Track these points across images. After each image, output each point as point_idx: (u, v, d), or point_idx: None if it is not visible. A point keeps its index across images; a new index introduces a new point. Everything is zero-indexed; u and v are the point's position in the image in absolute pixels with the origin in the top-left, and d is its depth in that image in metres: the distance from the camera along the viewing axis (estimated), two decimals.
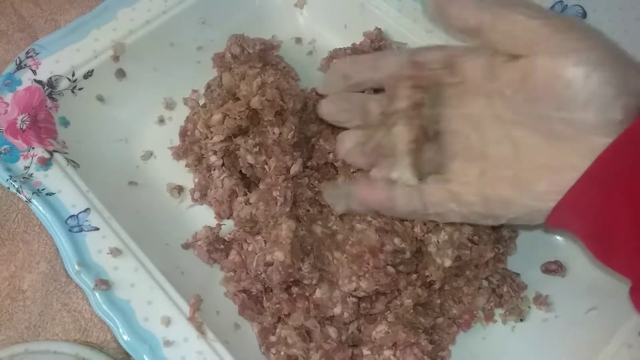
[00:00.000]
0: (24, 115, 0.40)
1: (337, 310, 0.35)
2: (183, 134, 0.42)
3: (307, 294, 0.36)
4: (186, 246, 0.39)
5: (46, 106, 0.41)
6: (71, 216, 0.36)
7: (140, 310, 0.34)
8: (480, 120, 0.33)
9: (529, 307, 0.38)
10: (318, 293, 0.35)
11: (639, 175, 0.27)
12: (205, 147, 0.39)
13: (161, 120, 0.44)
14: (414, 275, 0.36)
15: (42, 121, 0.40)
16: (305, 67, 0.46)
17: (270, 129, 0.38)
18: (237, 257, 0.37)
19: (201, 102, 0.44)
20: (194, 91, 0.45)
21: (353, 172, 0.38)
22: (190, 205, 0.41)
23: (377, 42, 0.44)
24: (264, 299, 0.37)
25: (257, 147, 0.38)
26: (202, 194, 0.41)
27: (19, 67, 0.41)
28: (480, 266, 0.37)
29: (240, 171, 0.40)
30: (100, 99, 0.43)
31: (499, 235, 0.38)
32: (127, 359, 0.37)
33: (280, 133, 0.38)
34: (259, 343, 0.36)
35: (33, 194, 0.37)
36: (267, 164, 0.38)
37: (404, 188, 0.35)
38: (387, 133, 0.36)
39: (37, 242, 0.41)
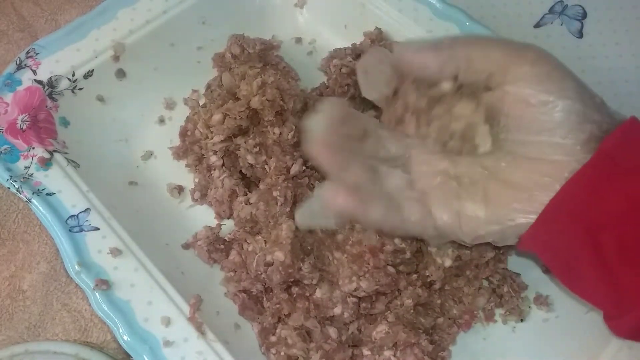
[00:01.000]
0: (24, 115, 0.40)
1: (337, 310, 0.35)
2: (183, 134, 0.42)
3: (308, 294, 0.36)
4: (186, 246, 0.39)
5: (46, 106, 0.41)
6: (71, 216, 0.36)
7: (140, 310, 0.34)
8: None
9: (530, 307, 0.38)
10: (318, 293, 0.35)
11: (592, 211, 0.28)
12: (206, 147, 0.39)
13: (161, 120, 0.44)
14: (414, 275, 0.36)
15: (42, 121, 0.40)
16: (306, 67, 0.46)
17: (271, 129, 0.38)
18: (237, 257, 0.37)
19: (201, 102, 0.44)
20: (194, 91, 0.45)
21: None
22: (190, 205, 0.41)
23: (378, 42, 0.44)
24: (264, 299, 0.37)
25: (258, 147, 0.38)
26: (202, 194, 0.41)
27: (19, 67, 0.41)
28: (481, 266, 0.37)
29: (241, 171, 0.40)
30: (101, 99, 0.43)
31: None
32: (127, 359, 0.37)
33: (280, 133, 0.38)
34: (259, 343, 0.36)
35: (33, 194, 0.37)
36: (267, 164, 0.38)
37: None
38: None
39: (37, 242, 0.41)
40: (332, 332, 0.35)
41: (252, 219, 0.37)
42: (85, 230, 0.36)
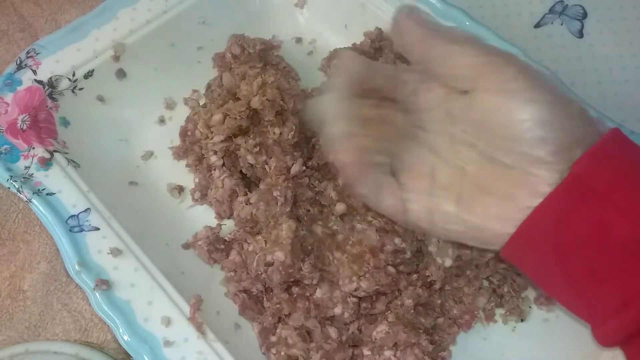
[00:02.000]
0: (24, 115, 0.40)
1: (337, 310, 0.35)
2: (183, 134, 0.42)
3: (308, 294, 0.36)
4: (186, 246, 0.39)
5: (46, 106, 0.41)
6: (71, 216, 0.36)
7: (141, 310, 0.34)
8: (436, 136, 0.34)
9: (530, 307, 0.38)
10: (318, 293, 0.35)
11: (561, 235, 0.29)
12: (206, 147, 0.39)
13: (161, 120, 0.44)
14: (415, 275, 0.36)
15: (43, 121, 0.40)
16: (306, 67, 0.46)
17: (271, 129, 0.38)
18: (237, 257, 0.37)
19: (201, 102, 0.43)
20: (195, 91, 0.45)
21: None
22: (190, 205, 0.41)
23: (378, 42, 0.44)
24: (265, 299, 0.37)
25: (258, 147, 0.38)
26: (202, 194, 0.41)
27: (20, 67, 0.41)
28: (481, 266, 0.37)
29: (241, 171, 0.40)
30: (101, 99, 0.43)
31: None
32: (127, 359, 0.37)
33: (280, 133, 0.38)
34: (259, 343, 0.36)
35: (33, 194, 0.37)
36: (267, 164, 0.38)
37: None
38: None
39: (38, 242, 0.41)
40: (332, 332, 0.35)
41: (253, 219, 0.37)
42: (85, 230, 0.36)
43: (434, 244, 0.36)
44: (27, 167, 0.38)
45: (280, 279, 0.34)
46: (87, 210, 0.37)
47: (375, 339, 0.34)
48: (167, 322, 0.34)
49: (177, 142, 0.43)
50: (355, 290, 0.34)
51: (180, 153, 0.42)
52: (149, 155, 0.43)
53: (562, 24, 0.50)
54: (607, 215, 0.28)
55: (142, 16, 0.44)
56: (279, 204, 0.36)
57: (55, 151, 0.39)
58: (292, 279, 0.35)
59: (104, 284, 0.34)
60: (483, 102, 0.30)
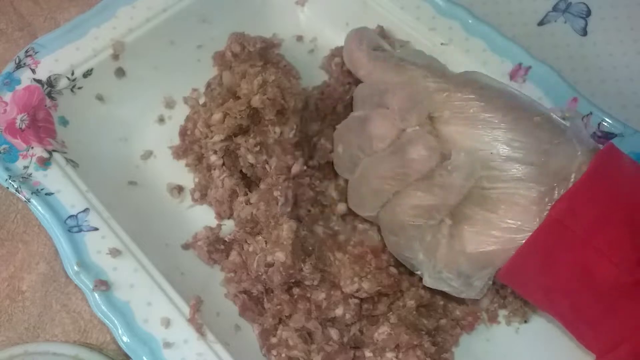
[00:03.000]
0: (23, 114, 0.40)
1: (338, 311, 0.35)
2: (183, 133, 0.42)
3: (309, 295, 0.35)
4: (186, 246, 0.39)
5: (45, 105, 0.40)
6: (70, 216, 0.36)
7: (140, 311, 0.34)
8: None
9: (533, 308, 0.37)
10: (319, 294, 0.35)
11: (545, 276, 0.29)
12: (206, 147, 0.39)
13: (161, 120, 0.44)
14: (417, 276, 0.36)
15: (42, 120, 0.40)
16: (307, 66, 0.46)
17: (271, 128, 0.38)
18: (237, 258, 0.37)
19: (201, 101, 0.43)
20: (194, 90, 0.45)
21: None
22: (190, 205, 0.41)
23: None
24: (265, 300, 0.36)
25: (258, 147, 0.38)
26: (202, 194, 0.40)
27: (18, 66, 0.41)
28: None
29: (241, 171, 0.39)
30: (100, 98, 0.42)
31: None
32: None
33: (281, 132, 0.38)
34: (259, 345, 0.35)
35: (32, 193, 0.36)
36: (268, 164, 0.38)
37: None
38: None
39: (37, 242, 0.41)
40: (333, 333, 0.34)
41: (253, 219, 0.37)
42: (84, 231, 0.36)
43: None
44: (25, 167, 0.38)
45: (281, 280, 0.34)
46: (86, 210, 0.36)
47: (377, 340, 0.34)
48: (167, 323, 0.33)
49: (176, 141, 0.42)
50: (357, 291, 0.34)
51: (179, 152, 0.42)
52: (148, 154, 0.43)
53: (565, 22, 0.50)
54: (589, 260, 0.28)
55: (141, 14, 0.43)
56: (280, 204, 0.36)
57: (54, 151, 0.39)
58: (293, 280, 0.35)
59: (103, 285, 0.34)
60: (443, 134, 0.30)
